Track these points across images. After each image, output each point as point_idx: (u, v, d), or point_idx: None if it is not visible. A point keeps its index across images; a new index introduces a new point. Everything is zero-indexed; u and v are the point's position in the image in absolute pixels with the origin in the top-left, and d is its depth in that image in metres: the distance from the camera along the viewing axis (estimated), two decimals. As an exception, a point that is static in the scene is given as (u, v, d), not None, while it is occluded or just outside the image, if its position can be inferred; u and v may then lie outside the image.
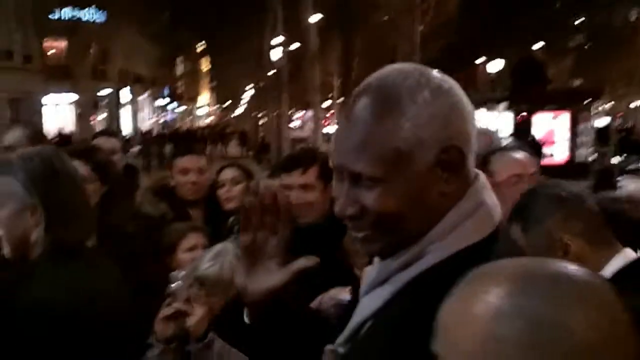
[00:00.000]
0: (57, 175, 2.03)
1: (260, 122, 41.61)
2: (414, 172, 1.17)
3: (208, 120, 77.13)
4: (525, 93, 22.59)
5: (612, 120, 33.45)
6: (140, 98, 52.75)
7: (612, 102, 44.32)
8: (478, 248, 1.17)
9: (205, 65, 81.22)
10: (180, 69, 72.16)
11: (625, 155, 15.39)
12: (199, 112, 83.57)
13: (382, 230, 1.21)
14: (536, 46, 34.38)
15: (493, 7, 32.71)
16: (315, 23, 25.93)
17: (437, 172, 1.17)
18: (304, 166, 2.73)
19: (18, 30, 32.33)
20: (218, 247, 2.69)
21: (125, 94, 48.04)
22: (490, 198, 1.25)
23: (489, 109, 26.11)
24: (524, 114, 22.47)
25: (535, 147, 15.55)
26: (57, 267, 1.94)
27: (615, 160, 15.93)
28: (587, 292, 0.81)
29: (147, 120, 54.98)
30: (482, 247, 1.17)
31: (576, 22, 37.94)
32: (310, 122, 32.62)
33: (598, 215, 2.01)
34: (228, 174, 3.84)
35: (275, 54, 27.64)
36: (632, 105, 47.24)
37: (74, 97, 40.85)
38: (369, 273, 1.30)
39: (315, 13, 26.07)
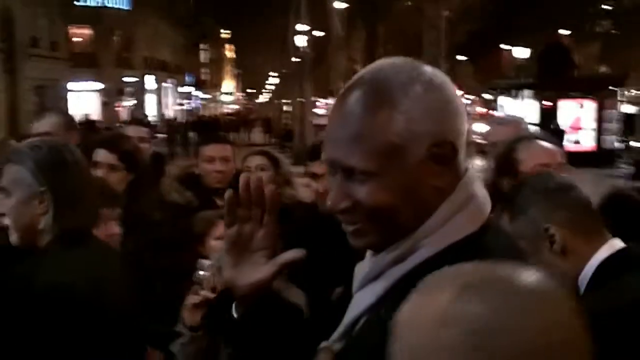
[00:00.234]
0: (66, 164, 2.06)
1: (284, 109, 41.55)
2: (407, 166, 1.16)
3: (232, 107, 77.33)
4: (552, 80, 22.35)
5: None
6: (164, 85, 53.02)
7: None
8: (470, 241, 1.17)
9: (229, 52, 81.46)
10: (204, 56, 72.39)
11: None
12: (223, 99, 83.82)
13: (374, 224, 1.20)
14: (562, 32, 33.98)
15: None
16: (340, 10, 25.84)
17: (430, 166, 1.17)
18: None
19: (44, 17, 32.23)
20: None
21: (149, 81, 48.34)
22: (481, 190, 1.25)
23: (514, 96, 25.89)
24: (549, 102, 22.25)
25: (558, 135, 15.42)
26: (70, 252, 1.97)
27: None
28: (533, 297, 0.80)
29: (172, 107, 55.26)
30: (473, 239, 1.17)
31: (603, 7, 37.42)
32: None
33: (586, 206, 1.96)
34: (254, 161, 3.86)
35: (300, 41, 27.54)
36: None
37: (99, 85, 41.14)
38: (361, 268, 1.28)
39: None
